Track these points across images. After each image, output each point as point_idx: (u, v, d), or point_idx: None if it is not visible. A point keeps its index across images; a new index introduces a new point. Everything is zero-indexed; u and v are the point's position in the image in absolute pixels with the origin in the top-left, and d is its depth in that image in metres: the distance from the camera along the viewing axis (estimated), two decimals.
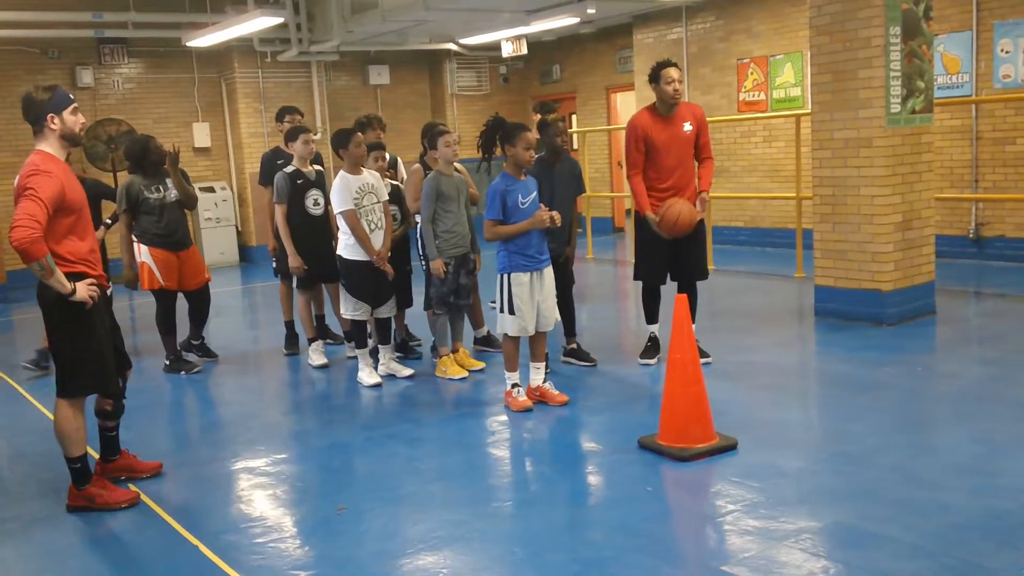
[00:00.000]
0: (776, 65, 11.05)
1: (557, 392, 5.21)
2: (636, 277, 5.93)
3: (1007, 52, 8.91)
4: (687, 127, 5.62)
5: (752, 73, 11.34)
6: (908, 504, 3.58)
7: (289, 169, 6.31)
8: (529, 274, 5.06)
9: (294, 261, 6.25)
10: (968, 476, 3.85)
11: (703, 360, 5.29)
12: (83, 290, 3.80)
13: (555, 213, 5.03)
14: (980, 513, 3.46)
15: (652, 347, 5.94)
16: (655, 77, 5.58)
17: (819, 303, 7.06)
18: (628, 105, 13.58)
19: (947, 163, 9.27)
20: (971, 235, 9.34)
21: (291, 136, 6.41)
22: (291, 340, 6.97)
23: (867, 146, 6.58)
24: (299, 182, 6.28)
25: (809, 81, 7.29)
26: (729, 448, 4.27)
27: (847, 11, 6.60)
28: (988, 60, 9.05)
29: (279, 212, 6.26)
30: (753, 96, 11.38)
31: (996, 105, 9.01)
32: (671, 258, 5.72)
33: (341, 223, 5.70)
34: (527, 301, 5.05)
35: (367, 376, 5.84)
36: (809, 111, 7.26)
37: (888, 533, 3.34)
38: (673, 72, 5.54)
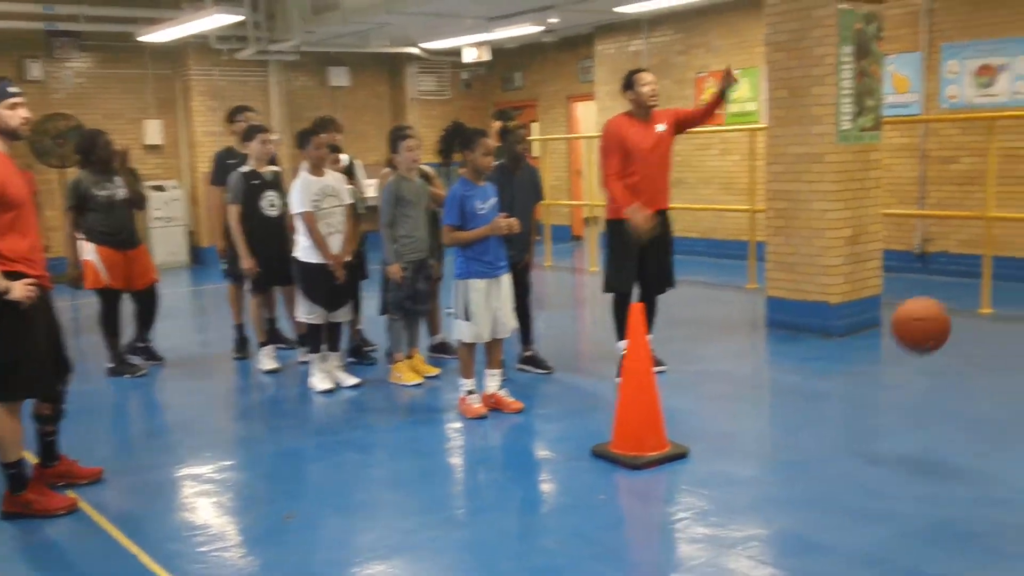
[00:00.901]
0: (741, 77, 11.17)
1: (512, 399, 5.19)
2: (608, 289, 5.72)
3: (954, 73, 9.13)
4: (660, 128, 5.57)
5: (710, 87, 11.48)
6: (855, 512, 3.63)
7: (245, 169, 6.21)
8: (486, 281, 5.04)
9: (246, 263, 6.14)
10: (914, 485, 3.92)
11: (659, 369, 5.31)
12: (20, 290, 3.68)
13: (513, 220, 5.02)
14: (926, 521, 3.52)
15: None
16: (630, 83, 5.56)
17: (770, 314, 7.16)
18: (589, 114, 13.66)
19: (895, 180, 9.47)
20: (916, 250, 9.55)
21: (248, 135, 6.30)
22: (241, 344, 6.85)
23: (819, 161, 6.69)
24: (255, 183, 6.18)
25: (765, 96, 7.38)
26: (681, 456, 4.29)
27: (803, 29, 6.71)
28: (936, 80, 9.28)
29: (233, 212, 6.14)
30: None
31: (942, 124, 9.24)
32: (640, 267, 5.66)
33: (298, 224, 5.62)
34: (483, 307, 5.03)
35: (319, 381, 5.76)
36: (764, 126, 7.36)
37: (834, 541, 3.38)
38: (648, 76, 5.58)
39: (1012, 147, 8.62)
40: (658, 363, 5.53)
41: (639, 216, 5.30)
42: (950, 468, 4.13)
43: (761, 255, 7.76)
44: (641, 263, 5.64)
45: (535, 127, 14.51)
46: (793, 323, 6.93)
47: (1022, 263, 8.71)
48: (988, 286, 7.39)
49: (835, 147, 6.62)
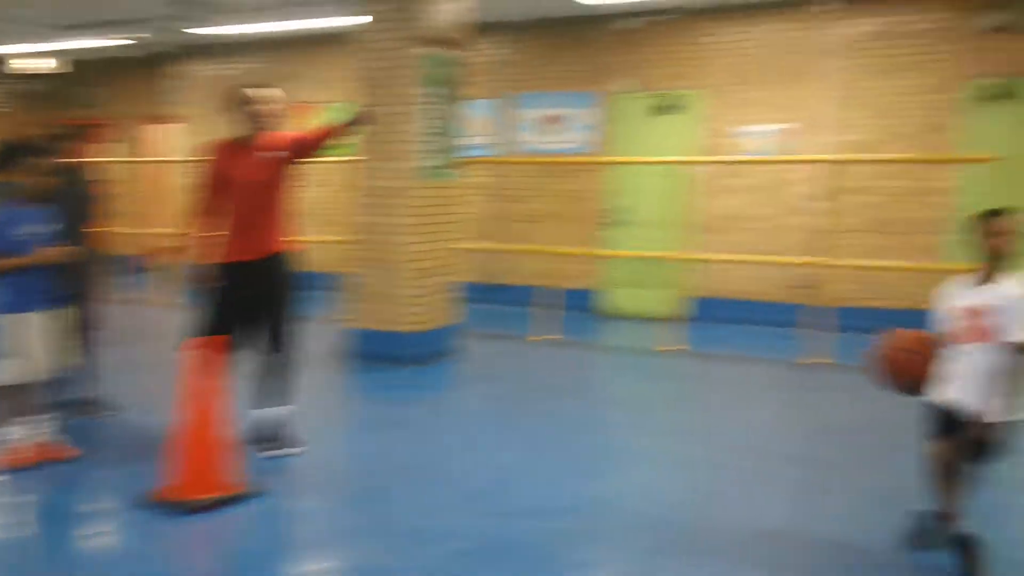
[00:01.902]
0: (328, 112, 11.32)
1: (65, 446, 4.64)
2: (198, 333, 4.73)
3: (527, 120, 10.23)
4: (274, 155, 4.65)
5: (300, 117, 11.48)
6: (419, 534, 3.78)
7: None
8: (34, 314, 4.48)
9: None
10: (477, 501, 4.19)
11: (295, 451, 4.86)
12: None
13: (65, 250, 4.53)
14: (483, 535, 3.78)
15: (278, 441, 4.91)
16: (241, 99, 4.65)
17: (354, 345, 7.28)
18: (169, 138, 12.97)
19: (473, 216, 10.26)
20: (488, 282, 10.43)
21: None
22: None
23: (400, 196, 7.00)
24: None
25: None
26: (248, 495, 4.13)
27: (390, 68, 6.99)
28: (511, 126, 10.28)
29: None
30: None
31: (515, 166, 10.26)
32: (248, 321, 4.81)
33: None
34: (31, 345, 4.46)
35: None
36: (357, 159, 7.54)
37: (396, 564, 3.49)
38: (266, 92, 4.67)
39: (572, 189, 9.83)
40: (291, 443, 4.86)
41: (198, 277, 4.79)
42: (510, 483, 4.49)
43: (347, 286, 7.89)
44: (247, 317, 4.80)
45: (116, 148, 13.39)
46: (375, 353, 7.10)
47: (582, 293, 9.92)
48: (560, 316, 8.33)
49: (415, 183, 6.98)
